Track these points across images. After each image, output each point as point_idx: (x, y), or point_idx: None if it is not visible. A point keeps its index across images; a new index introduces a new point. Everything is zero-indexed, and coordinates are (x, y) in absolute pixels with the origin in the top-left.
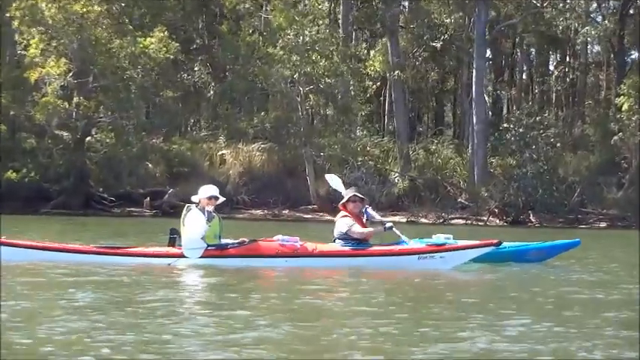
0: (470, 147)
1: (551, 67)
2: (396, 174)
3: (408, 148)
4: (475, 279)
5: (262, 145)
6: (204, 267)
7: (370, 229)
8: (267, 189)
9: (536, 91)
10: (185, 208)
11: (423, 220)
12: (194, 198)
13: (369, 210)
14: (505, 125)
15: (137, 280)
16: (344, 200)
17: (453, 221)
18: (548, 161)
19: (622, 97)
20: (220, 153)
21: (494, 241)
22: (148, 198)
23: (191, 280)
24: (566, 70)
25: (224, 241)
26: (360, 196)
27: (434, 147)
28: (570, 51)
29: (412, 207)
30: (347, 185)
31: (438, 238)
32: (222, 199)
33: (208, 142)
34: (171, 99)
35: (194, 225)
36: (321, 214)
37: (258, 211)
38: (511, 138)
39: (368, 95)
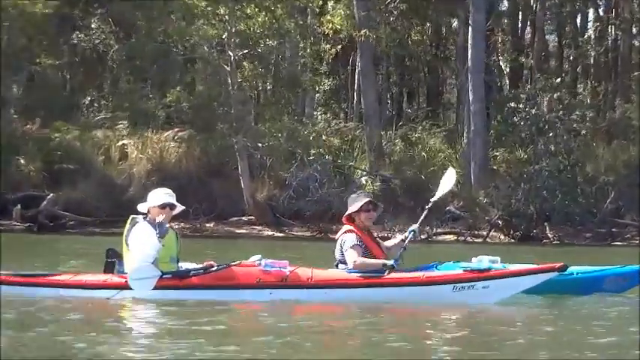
0: (465, 135)
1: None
2: (363, 172)
3: (381, 136)
4: (531, 318)
5: (180, 133)
6: (158, 302)
7: (372, 261)
8: (186, 194)
9: (567, 57)
10: (129, 221)
11: (398, 236)
12: (141, 207)
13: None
14: (512, 105)
15: (59, 319)
16: (353, 209)
17: (441, 237)
18: (571, 155)
19: None
20: (120, 143)
21: (558, 265)
22: (19, 206)
23: (136, 323)
24: (605, 28)
25: (183, 265)
26: (376, 202)
27: (417, 135)
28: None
29: (384, 218)
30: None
31: (481, 261)
32: (180, 207)
33: (104, 128)
34: (53, 68)
35: (142, 244)
36: (260, 227)
37: (172, 224)
38: (520, 122)
39: (326, 64)
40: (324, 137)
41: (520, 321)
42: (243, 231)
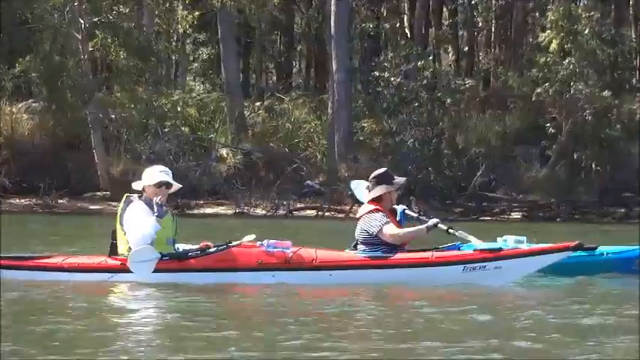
0: (330, 106)
1: None
2: (223, 145)
3: (243, 107)
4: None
5: (33, 104)
6: (156, 285)
7: (412, 229)
8: (39, 169)
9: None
10: (123, 200)
11: (257, 212)
12: (135, 185)
13: (407, 210)
14: (376, 74)
15: (54, 304)
16: (390, 188)
17: (301, 212)
18: (436, 126)
19: (548, 31)
20: None
21: (573, 243)
22: None
23: (134, 306)
24: None
25: (180, 247)
26: (401, 180)
27: (284, 106)
28: None
29: (242, 193)
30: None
31: (506, 241)
32: (177, 186)
33: None
34: None
35: (139, 225)
36: (115, 203)
37: (22, 201)
38: (384, 92)
39: (190, 31)
40: (179, 108)
41: (544, 302)
42: (98, 207)
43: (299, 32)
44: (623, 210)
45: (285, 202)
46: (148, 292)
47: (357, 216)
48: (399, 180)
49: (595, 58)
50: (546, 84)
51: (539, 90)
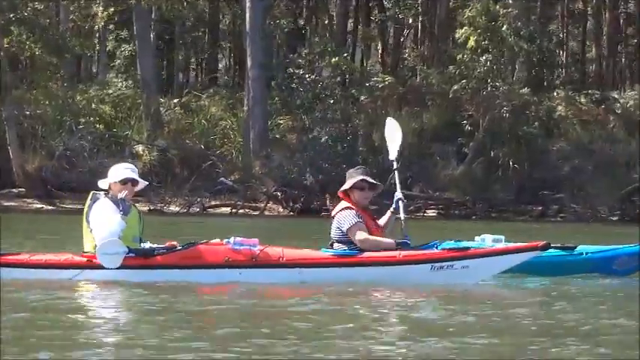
0: (245, 103)
1: None
2: (137, 142)
3: (159, 104)
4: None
5: None
6: (122, 282)
7: (382, 240)
8: None
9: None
10: (89, 198)
11: (172, 209)
12: (101, 183)
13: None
14: (291, 70)
15: (14, 300)
16: (346, 186)
17: (216, 210)
18: (350, 123)
19: (465, 27)
20: None
21: (541, 243)
22: None
23: (99, 306)
24: None
25: (146, 245)
26: (372, 181)
27: (201, 103)
28: None
29: (157, 190)
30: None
31: (484, 240)
32: (143, 183)
33: None
34: None
35: (104, 222)
36: (30, 200)
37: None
38: (299, 89)
39: (112, 27)
40: (93, 105)
41: (526, 303)
42: (13, 204)
43: (225, 29)
44: (540, 208)
45: (199, 200)
46: (114, 289)
47: (332, 214)
48: (353, 179)
49: (513, 54)
50: (463, 81)
51: (455, 87)
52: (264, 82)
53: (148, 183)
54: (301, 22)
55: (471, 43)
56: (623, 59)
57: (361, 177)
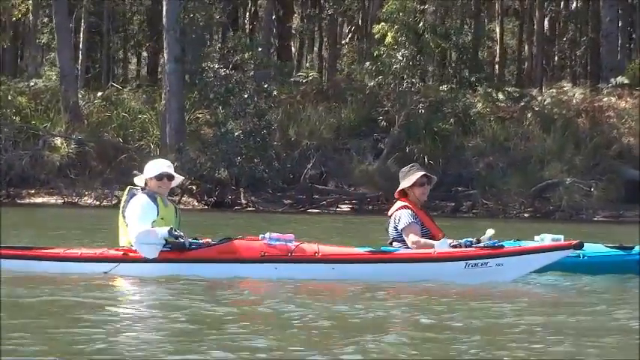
0: (163, 97)
1: None
2: (53, 135)
3: (77, 96)
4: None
5: None
6: (158, 276)
7: (433, 243)
8: None
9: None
10: (126, 192)
11: (88, 202)
12: (137, 179)
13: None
14: (207, 65)
15: (51, 300)
16: (407, 184)
17: None
18: (263, 117)
19: (382, 23)
20: None
21: (574, 242)
22: None
23: (134, 300)
24: None
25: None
26: (431, 175)
27: (123, 96)
28: None
29: (74, 183)
30: None
31: (543, 240)
32: (179, 178)
33: None
34: None
35: (140, 217)
36: None
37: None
38: (214, 83)
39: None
40: (9, 98)
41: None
42: None
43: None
44: (453, 204)
45: (110, 192)
46: (148, 284)
47: (389, 213)
48: (414, 175)
49: (430, 51)
50: (380, 76)
51: (372, 83)
52: (180, 76)
53: (183, 178)
54: (217, 15)
55: (389, 39)
56: (556, 58)
57: (422, 172)
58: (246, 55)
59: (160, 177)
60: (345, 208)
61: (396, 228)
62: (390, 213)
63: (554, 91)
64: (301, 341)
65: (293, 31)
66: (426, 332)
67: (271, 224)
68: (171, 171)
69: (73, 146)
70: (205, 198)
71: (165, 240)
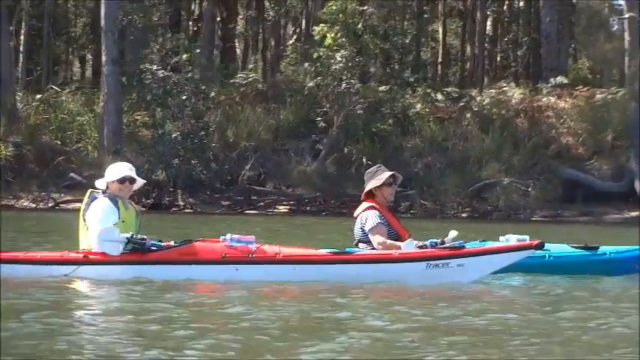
0: (101, 99)
1: None
2: None
3: (15, 99)
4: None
5: None
6: (119, 278)
7: (400, 244)
8: None
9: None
10: (87, 196)
11: (24, 204)
12: (99, 183)
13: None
14: (145, 66)
15: (9, 303)
16: (377, 184)
17: (68, 205)
18: (201, 118)
19: (322, 25)
20: None
21: (535, 242)
22: None
23: (95, 302)
24: None
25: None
26: (398, 175)
27: (62, 99)
28: None
29: (11, 185)
30: None
31: (508, 240)
32: (140, 181)
33: None
34: None
35: (102, 220)
36: None
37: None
38: (152, 85)
39: None
40: None
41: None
42: None
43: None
44: (391, 204)
45: (52, 196)
46: (108, 286)
47: (355, 214)
48: (383, 175)
49: (369, 52)
50: (319, 77)
51: (311, 84)
52: (117, 78)
53: (145, 182)
54: (156, 17)
55: (329, 40)
56: (499, 58)
57: (390, 172)
58: (184, 57)
59: (122, 180)
60: (282, 209)
61: (362, 229)
62: (356, 214)
63: (494, 91)
64: (261, 342)
65: (238, 33)
66: (385, 333)
67: (207, 225)
68: (134, 174)
69: (10, 149)
70: (143, 200)
71: (128, 239)
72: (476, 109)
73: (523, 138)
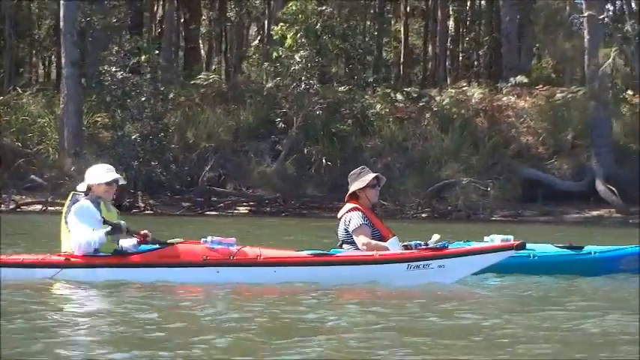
0: (61, 100)
1: None
2: None
3: None
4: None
5: None
6: (100, 281)
7: (384, 245)
8: None
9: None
10: (69, 199)
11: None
12: (81, 187)
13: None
14: (105, 68)
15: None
16: (361, 185)
17: (29, 207)
18: (160, 120)
19: (281, 24)
20: None
21: (516, 242)
22: None
23: (76, 305)
24: None
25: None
26: (382, 176)
27: (23, 101)
28: None
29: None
30: None
31: (493, 240)
32: (122, 182)
33: None
34: None
35: (86, 231)
36: None
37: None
38: (111, 86)
39: None
40: None
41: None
42: None
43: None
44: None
45: (14, 198)
46: (90, 289)
47: (338, 216)
48: (367, 177)
49: (328, 52)
50: (278, 78)
51: (270, 84)
52: (77, 80)
53: (125, 182)
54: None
55: (289, 40)
56: (461, 57)
57: (374, 174)
58: (142, 58)
59: (111, 182)
60: (243, 210)
61: (346, 230)
62: (339, 215)
63: (453, 91)
64: (241, 344)
65: (201, 34)
66: (363, 333)
67: (167, 227)
68: (118, 175)
69: None
70: None
71: (107, 233)
72: (435, 109)
73: (483, 138)
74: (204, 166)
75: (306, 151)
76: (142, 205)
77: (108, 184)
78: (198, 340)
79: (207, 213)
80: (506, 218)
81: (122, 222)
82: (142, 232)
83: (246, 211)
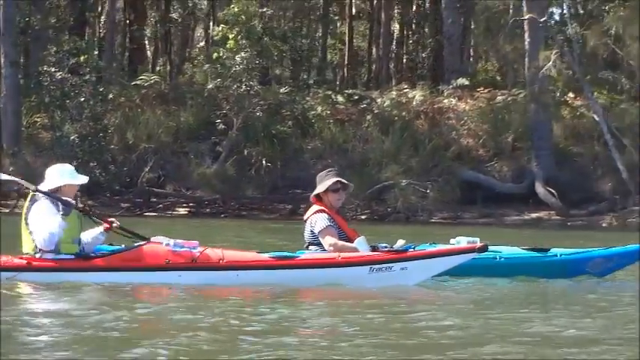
0: (0, 101)
1: None
2: None
3: None
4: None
5: None
6: (60, 285)
7: (351, 246)
8: None
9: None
10: (29, 199)
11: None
12: (44, 186)
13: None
14: (44, 68)
15: None
16: (321, 189)
17: None
18: (99, 121)
19: (222, 25)
20: None
21: (478, 245)
22: None
23: (35, 309)
24: None
25: (83, 237)
26: (345, 181)
27: None
28: None
29: None
30: None
31: (459, 242)
32: (84, 179)
33: None
34: None
35: (45, 223)
36: None
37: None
38: (50, 87)
39: None
40: None
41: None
42: None
43: None
44: (290, 207)
45: None
46: (49, 292)
47: (305, 217)
48: (329, 181)
49: (269, 54)
50: (219, 79)
51: (211, 85)
52: (16, 80)
53: (87, 180)
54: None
55: (231, 42)
56: (405, 60)
57: (336, 179)
58: (81, 59)
59: (79, 183)
60: (182, 211)
61: (312, 232)
62: (305, 217)
63: (394, 93)
64: (200, 347)
65: (146, 35)
66: (328, 335)
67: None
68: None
69: None
70: None
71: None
72: (376, 111)
73: (423, 140)
74: (143, 167)
75: (246, 152)
76: (81, 205)
77: (77, 184)
78: (160, 342)
79: (147, 214)
80: (446, 220)
81: (71, 200)
82: (109, 219)
83: (186, 212)
